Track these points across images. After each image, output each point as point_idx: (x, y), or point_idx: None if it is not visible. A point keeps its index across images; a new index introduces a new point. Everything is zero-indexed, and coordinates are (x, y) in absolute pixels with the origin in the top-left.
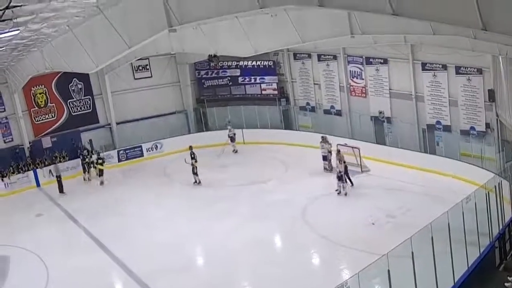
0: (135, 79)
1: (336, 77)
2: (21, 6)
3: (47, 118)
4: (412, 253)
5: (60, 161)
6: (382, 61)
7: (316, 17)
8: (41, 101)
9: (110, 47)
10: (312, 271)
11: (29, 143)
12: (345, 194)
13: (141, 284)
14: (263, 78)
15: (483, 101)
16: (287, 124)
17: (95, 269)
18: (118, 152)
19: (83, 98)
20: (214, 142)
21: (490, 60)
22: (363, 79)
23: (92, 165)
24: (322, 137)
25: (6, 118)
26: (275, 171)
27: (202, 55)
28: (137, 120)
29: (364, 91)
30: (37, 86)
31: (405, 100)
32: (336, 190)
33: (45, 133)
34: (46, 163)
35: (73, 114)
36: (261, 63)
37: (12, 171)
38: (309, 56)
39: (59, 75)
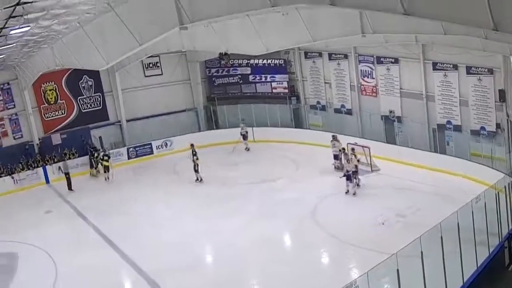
0: (146, 76)
1: (347, 76)
2: (32, 2)
3: (57, 115)
4: (422, 252)
5: (69, 158)
6: (393, 60)
7: (328, 16)
8: (51, 98)
9: (120, 44)
10: (320, 270)
11: (39, 139)
12: (353, 194)
13: (150, 282)
14: (274, 77)
15: (494, 101)
16: (298, 122)
17: (104, 266)
18: (127, 149)
19: (93, 95)
20: (224, 140)
21: (501, 60)
22: (374, 78)
23: (99, 161)
24: (333, 136)
25: (16, 114)
26: (285, 170)
27: (213, 53)
28: (147, 117)
29: (374, 90)
30: (47, 83)
31: (415, 99)
32: (347, 192)
33: (54, 129)
34: (55, 160)
35: (83, 111)
36: (272, 61)
37: (21, 167)
38: (320, 55)
39: (69, 72)
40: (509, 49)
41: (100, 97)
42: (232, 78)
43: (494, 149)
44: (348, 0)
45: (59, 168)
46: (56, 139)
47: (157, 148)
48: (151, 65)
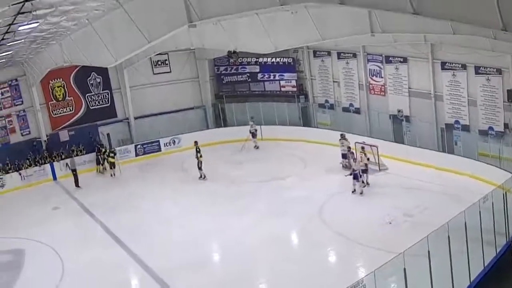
0: (154, 74)
1: (356, 75)
2: None
3: (65, 112)
4: (429, 252)
5: (77, 155)
6: (401, 59)
7: (337, 14)
8: (59, 95)
9: (129, 42)
10: (328, 268)
11: (46, 136)
12: (361, 193)
13: (157, 280)
14: (283, 75)
15: (502, 101)
16: (306, 121)
17: (111, 264)
18: (135, 146)
19: (101, 92)
20: (232, 138)
21: (510, 60)
22: (382, 77)
23: (105, 158)
24: (341, 134)
25: (24, 111)
26: (294, 168)
27: (222, 51)
28: (155, 115)
29: (383, 90)
30: (56, 79)
31: (424, 99)
32: (353, 191)
33: (62, 126)
34: (63, 156)
35: (91, 108)
36: (280, 60)
37: (28, 163)
38: (329, 53)
39: (77, 68)
40: None
41: (108, 94)
42: (240, 76)
43: (502, 149)
44: None
45: (67, 164)
46: (64, 135)
47: (165, 146)
48: (159, 62)
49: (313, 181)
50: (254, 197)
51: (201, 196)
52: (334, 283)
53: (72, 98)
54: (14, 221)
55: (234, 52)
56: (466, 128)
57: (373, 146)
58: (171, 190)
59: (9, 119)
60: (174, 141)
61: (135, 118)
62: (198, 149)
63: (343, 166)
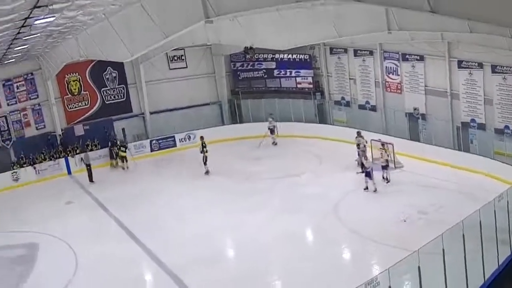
0: (170, 69)
1: (372, 73)
2: None
3: (80, 106)
4: (443, 250)
5: (91, 150)
6: (418, 57)
7: (354, 12)
8: (75, 89)
9: (146, 37)
10: (342, 265)
11: (61, 130)
12: (374, 191)
13: (171, 275)
14: (299, 72)
15: None
16: (322, 118)
17: (125, 258)
18: (150, 141)
19: (117, 86)
20: (248, 135)
21: None
22: (399, 75)
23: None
24: (358, 132)
25: (39, 104)
26: (309, 165)
27: (238, 47)
28: (171, 110)
29: (399, 87)
30: (71, 74)
31: (440, 97)
32: (365, 189)
33: (77, 120)
34: (77, 151)
35: (107, 102)
36: (297, 56)
37: (43, 157)
38: (346, 51)
39: (93, 63)
40: None
41: (124, 89)
42: (256, 72)
43: None
44: None
45: (81, 159)
46: (79, 130)
47: (180, 141)
48: (175, 57)
49: (329, 178)
50: (269, 194)
51: (215, 192)
52: (348, 281)
53: (87, 92)
54: (28, 215)
55: (251, 48)
56: (482, 127)
57: (389, 143)
58: (186, 186)
59: (24, 112)
60: (190, 137)
61: (151, 113)
62: (204, 144)
63: (358, 164)
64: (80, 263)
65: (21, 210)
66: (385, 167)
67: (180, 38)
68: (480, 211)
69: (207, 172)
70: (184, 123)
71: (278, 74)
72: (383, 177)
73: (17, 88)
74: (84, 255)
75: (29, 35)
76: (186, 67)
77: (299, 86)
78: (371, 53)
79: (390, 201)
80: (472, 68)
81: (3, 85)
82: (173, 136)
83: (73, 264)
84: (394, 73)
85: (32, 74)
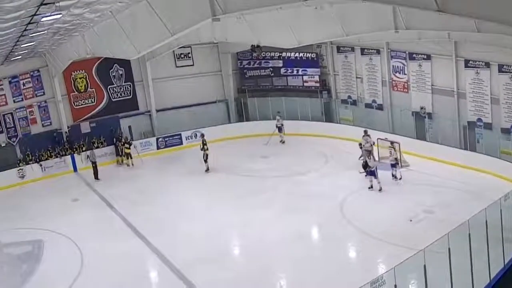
0: (177, 67)
1: (379, 72)
2: None
3: (87, 103)
4: (449, 249)
5: (97, 147)
6: (425, 56)
7: (361, 10)
8: (81, 86)
9: (152, 34)
10: (348, 264)
11: (68, 127)
12: (379, 190)
13: (177, 273)
14: (306, 70)
15: None
16: (328, 116)
17: (130, 256)
18: (157, 139)
19: (123, 84)
20: (254, 133)
21: None
22: (405, 74)
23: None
24: (365, 131)
25: (45, 102)
26: (315, 163)
27: (245, 45)
28: (177, 108)
29: (406, 86)
30: (78, 71)
31: (446, 96)
32: (370, 188)
33: (84, 118)
34: (83, 148)
35: (113, 100)
36: (304, 55)
37: (49, 155)
38: (352, 49)
39: (100, 60)
40: None
41: (130, 86)
42: (263, 70)
43: None
44: None
45: (87, 156)
46: (85, 127)
47: (186, 139)
48: (182, 55)
49: (335, 176)
50: (276, 192)
51: (222, 190)
52: (353, 279)
53: (94, 89)
54: (34, 212)
55: (258, 46)
56: (488, 126)
57: (395, 142)
58: (192, 183)
59: (30, 109)
60: (196, 135)
61: (157, 111)
62: (204, 142)
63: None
64: (85, 260)
65: (26, 207)
66: (394, 165)
67: (187, 36)
68: (486, 210)
69: (207, 170)
70: (191, 121)
71: (285, 72)
72: (393, 175)
73: (24, 85)
74: (90, 252)
75: (36, 32)
76: (193, 65)
77: (305, 84)
78: (378, 52)
79: (396, 200)
80: (479, 68)
81: (10, 82)
82: (180, 134)
83: (78, 261)
84: (401, 72)
85: (38, 71)
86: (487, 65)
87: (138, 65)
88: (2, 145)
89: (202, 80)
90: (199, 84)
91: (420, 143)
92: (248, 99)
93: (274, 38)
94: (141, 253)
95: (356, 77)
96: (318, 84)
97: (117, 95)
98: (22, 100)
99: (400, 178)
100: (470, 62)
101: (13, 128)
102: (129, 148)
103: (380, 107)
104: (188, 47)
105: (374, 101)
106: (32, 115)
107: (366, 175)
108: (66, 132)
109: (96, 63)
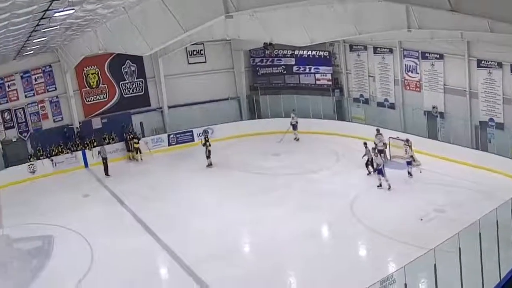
0: (189, 63)
1: (391, 70)
2: None
3: (98, 99)
4: (460, 248)
5: (108, 143)
6: (437, 56)
7: (374, 9)
8: (93, 82)
9: (165, 31)
10: (358, 263)
11: (79, 123)
12: (388, 188)
13: (187, 270)
14: (318, 68)
15: None
16: (340, 115)
17: (140, 252)
18: (168, 136)
19: (135, 80)
20: (266, 130)
21: None
22: (418, 73)
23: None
24: (377, 130)
25: (57, 97)
26: (327, 162)
27: (257, 42)
28: (189, 104)
29: (418, 86)
30: (90, 67)
31: (459, 96)
32: (378, 186)
33: (95, 113)
34: (94, 144)
35: (125, 96)
36: (316, 53)
37: (60, 150)
38: (365, 48)
39: (112, 56)
40: None
41: (142, 82)
42: (276, 68)
43: None
44: None
45: (98, 152)
46: (97, 123)
47: (198, 136)
48: (195, 52)
49: (346, 175)
50: (287, 190)
51: (233, 187)
52: (363, 278)
53: (106, 85)
54: (44, 208)
55: (270, 44)
56: (500, 126)
57: (409, 140)
58: (203, 180)
59: (42, 105)
60: (208, 132)
61: (169, 108)
62: (207, 138)
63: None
64: (95, 256)
65: (37, 203)
66: (410, 163)
67: (200, 32)
68: (497, 210)
69: (209, 165)
70: (203, 118)
71: (297, 70)
72: (409, 173)
73: (35, 80)
74: (100, 248)
75: (48, 27)
76: (205, 62)
77: (318, 82)
78: (390, 51)
79: (407, 199)
80: (492, 68)
81: (21, 77)
82: (191, 131)
83: (88, 257)
84: (413, 71)
85: (50, 66)
86: (500, 65)
87: (151, 62)
88: (13, 140)
89: (215, 77)
90: (211, 81)
91: (431, 143)
92: (260, 96)
93: (287, 36)
94: (151, 250)
95: (369, 76)
96: (330, 82)
97: (129, 91)
98: (34, 95)
99: (418, 172)
100: (483, 62)
101: (24, 123)
102: (138, 143)
103: (392, 106)
104: (201, 44)
105: (386, 100)
106: (43, 110)
107: (372, 173)
108: (77, 128)
109: (108, 59)
